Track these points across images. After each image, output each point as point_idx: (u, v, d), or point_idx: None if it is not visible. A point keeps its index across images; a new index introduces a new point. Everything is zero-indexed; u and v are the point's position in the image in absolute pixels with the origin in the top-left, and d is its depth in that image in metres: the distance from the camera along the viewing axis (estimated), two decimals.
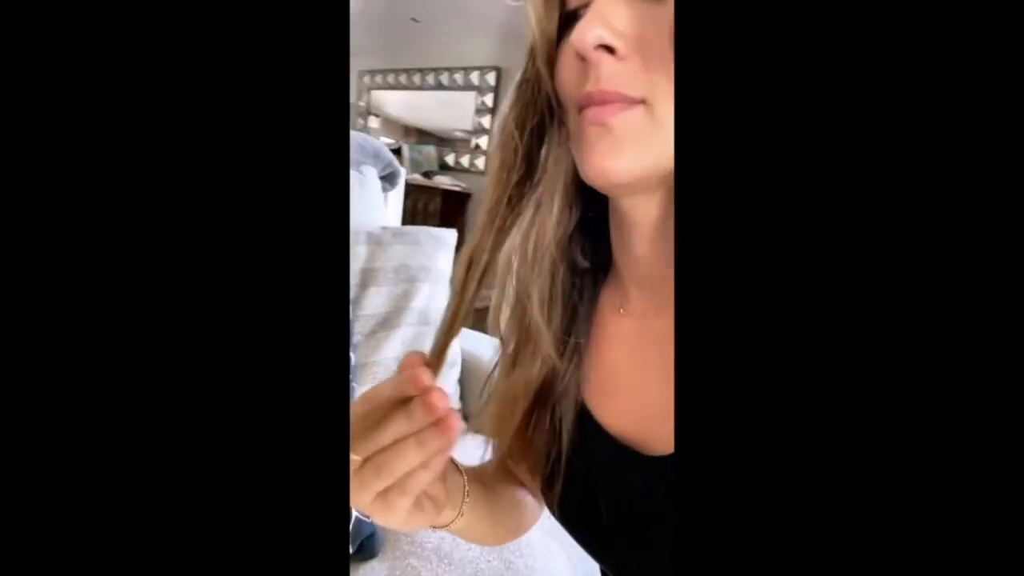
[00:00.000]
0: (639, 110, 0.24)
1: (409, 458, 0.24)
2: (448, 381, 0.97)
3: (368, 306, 0.92)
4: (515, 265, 0.32)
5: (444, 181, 2.87)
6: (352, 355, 0.83)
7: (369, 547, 0.64)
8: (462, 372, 0.99)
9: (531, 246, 0.31)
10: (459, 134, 3.06)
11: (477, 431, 1.00)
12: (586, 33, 0.23)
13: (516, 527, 0.41)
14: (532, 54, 0.28)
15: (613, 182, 0.25)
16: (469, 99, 2.93)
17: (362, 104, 3.48)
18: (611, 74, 0.24)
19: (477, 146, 2.93)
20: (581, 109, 0.25)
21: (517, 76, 0.29)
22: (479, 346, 1.04)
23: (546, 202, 0.30)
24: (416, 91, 3.17)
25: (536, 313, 0.32)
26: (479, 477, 0.36)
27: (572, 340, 0.33)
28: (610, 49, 0.23)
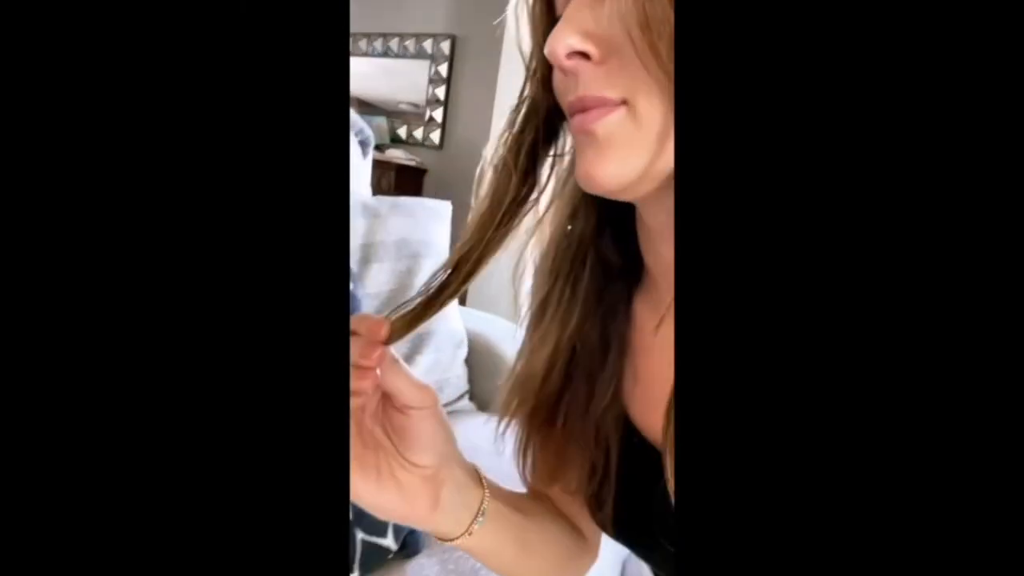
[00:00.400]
0: (621, 112, 0.23)
1: None
2: (456, 361, 0.92)
3: (372, 284, 0.84)
4: (535, 262, 0.33)
5: (398, 155, 2.73)
6: None
7: (412, 543, 0.59)
8: (469, 352, 0.94)
9: (546, 248, 0.32)
10: (404, 106, 2.91)
11: (485, 409, 0.96)
12: (556, 44, 0.23)
13: (561, 567, 0.37)
14: (528, 75, 0.28)
15: (603, 189, 0.25)
16: (421, 68, 2.79)
17: None
18: (589, 80, 0.23)
19: (431, 118, 2.80)
20: (572, 117, 0.25)
21: (514, 100, 0.29)
22: (487, 326, 0.99)
23: (555, 210, 0.31)
24: (360, 58, 2.97)
25: (552, 306, 0.32)
26: (517, 504, 0.33)
27: (613, 349, 0.32)
28: (587, 55, 0.23)
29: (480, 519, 0.30)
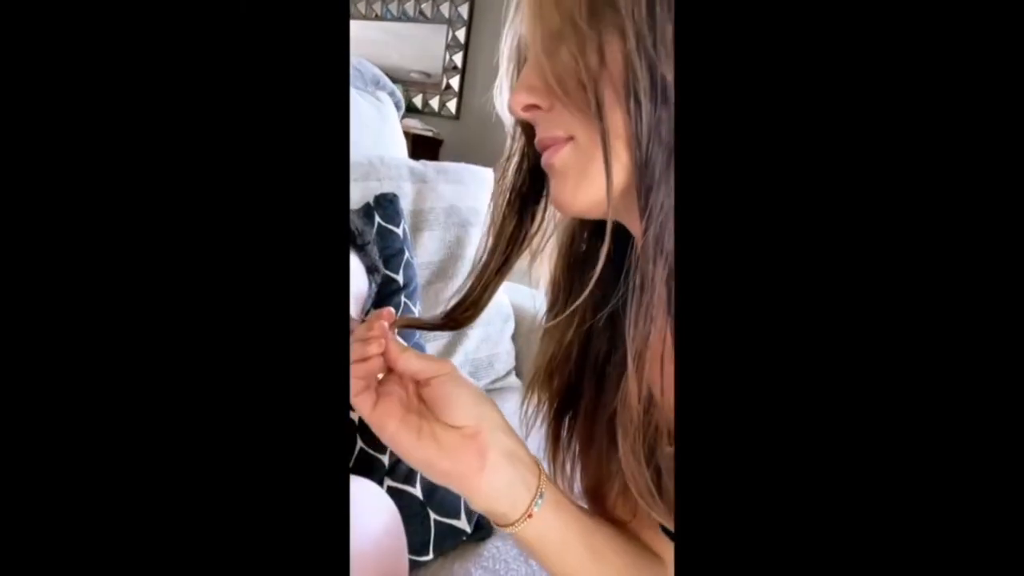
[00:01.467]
0: (569, 146, 0.28)
1: (352, 352, 0.31)
2: (504, 336, 0.88)
3: (423, 253, 0.80)
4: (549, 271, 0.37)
5: (414, 125, 2.65)
6: (415, 305, 0.72)
7: (487, 525, 0.57)
8: (516, 327, 0.90)
9: (555, 259, 0.36)
10: (416, 75, 2.81)
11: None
12: (513, 102, 0.29)
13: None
14: (513, 132, 0.34)
15: (571, 211, 0.29)
16: (438, 34, 2.69)
17: None
18: (543, 124, 0.29)
19: (448, 86, 2.71)
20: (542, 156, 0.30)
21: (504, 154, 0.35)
22: (531, 301, 0.95)
23: (560, 232, 0.36)
24: (373, 22, 2.86)
25: (557, 307, 0.36)
26: (584, 510, 0.34)
27: (618, 352, 0.35)
28: (538, 106, 0.28)
29: (539, 500, 0.30)
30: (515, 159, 0.34)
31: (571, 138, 0.28)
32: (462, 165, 0.92)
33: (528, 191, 0.34)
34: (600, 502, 0.37)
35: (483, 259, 0.34)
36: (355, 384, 0.30)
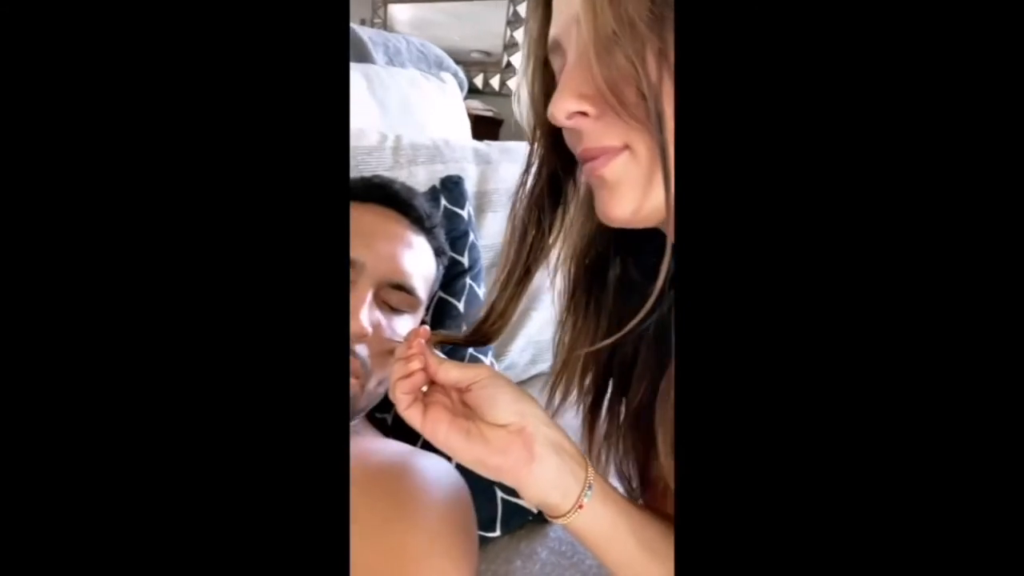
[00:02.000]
0: (624, 156, 0.27)
1: (395, 370, 0.33)
2: None
3: (486, 235, 0.80)
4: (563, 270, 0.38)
5: (475, 105, 2.64)
6: (479, 287, 0.72)
7: None
8: None
9: (568, 269, 0.38)
10: (476, 55, 2.79)
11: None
12: (556, 109, 0.27)
13: None
14: (532, 138, 0.34)
15: (622, 222, 0.29)
16: (496, 10, 2.65)
17: (377, 20, 3.16)
18: (591, 133, 0.28)
19: (508, 64, 2.68)
20: (584, 165, 0.29)
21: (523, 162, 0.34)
22: None
23: (570, 244, 0.36)
24: (433, 3, 2.86)
25: (574, 312, 0.38)
26: (636, 505, 0.35)
27: (643, 350, 0.37)
28: (585, 113, 0.27)
29: (588, 492, 0.32)
30: (534, 167, 0.34)
31: (625, 147, 0.27)
32: (525, 144, 0.91)
33: (547, 200, 0.34)
34: (656, 500, 0.38)
35: (506, 272, 0.35)
36: (404, 399, 0.32)
